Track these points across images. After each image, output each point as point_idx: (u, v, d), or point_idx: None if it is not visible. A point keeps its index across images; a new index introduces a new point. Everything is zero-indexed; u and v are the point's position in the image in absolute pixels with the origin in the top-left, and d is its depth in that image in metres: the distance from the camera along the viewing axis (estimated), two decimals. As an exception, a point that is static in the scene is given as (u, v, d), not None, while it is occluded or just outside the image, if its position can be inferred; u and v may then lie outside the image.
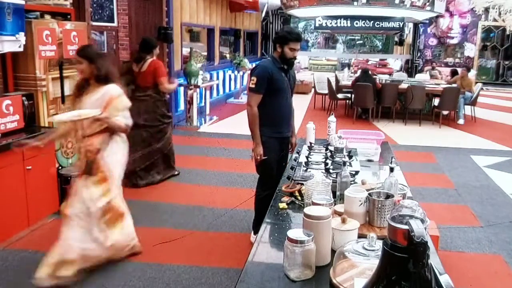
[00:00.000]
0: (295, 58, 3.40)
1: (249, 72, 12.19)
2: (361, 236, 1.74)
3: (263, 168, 3.54)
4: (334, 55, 24.31)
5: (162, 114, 5.10)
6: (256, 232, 3.67)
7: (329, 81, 10.23)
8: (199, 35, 10.51)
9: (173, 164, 5.38)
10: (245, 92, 12.59)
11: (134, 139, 4.50)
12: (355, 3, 13.39)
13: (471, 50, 16.89)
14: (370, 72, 9.82)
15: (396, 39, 18.41)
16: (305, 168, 2.76)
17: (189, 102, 8.56)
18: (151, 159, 5.07)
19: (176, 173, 5.42)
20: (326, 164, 2.73)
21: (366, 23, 14.06)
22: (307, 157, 2.98)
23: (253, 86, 3.35)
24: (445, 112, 9.55)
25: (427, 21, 16.54)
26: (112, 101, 3.08)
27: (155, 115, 5.03)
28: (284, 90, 3.46)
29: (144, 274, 3.25)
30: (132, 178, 4.89)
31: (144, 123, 4.93)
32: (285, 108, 3.54)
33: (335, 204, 2.02)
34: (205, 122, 8.56)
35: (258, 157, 3.41)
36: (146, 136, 5.01)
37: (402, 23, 14.16)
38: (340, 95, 10.24)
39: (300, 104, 11.23)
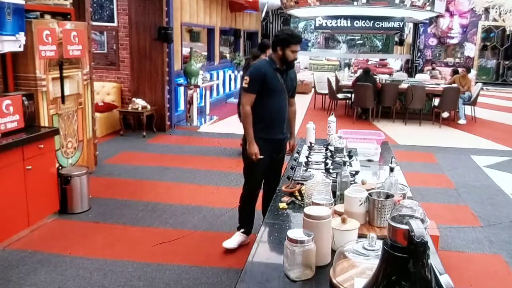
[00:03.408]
0: (295, 59, 3.40)
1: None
2: (361, 236, 1.74)
3: (249, 168, 3.53)
4: (334, 55, 24.29)
5: None
6: (238, 229, 3.73)
7: (329, 81, 10.23)
8: (199, 35, 10.51)
9: None
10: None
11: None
12: (355, 3, 13.35)
13: (471, 50, 16.89)
14: (371, 72, 9.82)
15: (396, 39, 18.41)
16: (305, 168, 2.76)
17: (189, 102, 8.57)
18: None
19: None
20: (326, 164, 2.73)
21: (366, 23, 14.05)
22: (307, 157, 2.98)
23: (246, 85, 3.38)
24: (445, 115, 9.54)
25: (427, 21, 16.53)
26: None
27: None
28: (278, 91, 3.42)
29: (144, 274, 3.25)
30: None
31: None
32: (278, 110, 3.47)
33: (335, 204, 2.02)
34: (205, 122, 8.56)
35: (254, 156, 3.40)
36: None
37: (402, 23, 14.15)
38: (340, 95, 10.23)
39: (300, 104, 11.19)
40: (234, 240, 3.64)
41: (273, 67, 3.38)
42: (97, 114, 6.26)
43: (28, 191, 3.74)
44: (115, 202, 4.58)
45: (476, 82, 11.76)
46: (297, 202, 2.28)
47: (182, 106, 8.71)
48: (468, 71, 10.55)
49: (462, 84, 9.84)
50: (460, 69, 10.74)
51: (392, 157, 2.56)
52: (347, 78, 11.14)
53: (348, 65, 18.10)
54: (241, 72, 11.60)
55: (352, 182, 2.29)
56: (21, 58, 4.12)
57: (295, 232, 1.55)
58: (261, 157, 3.42)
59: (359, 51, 23.69)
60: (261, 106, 3.40)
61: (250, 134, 3.42)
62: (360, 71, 10.76)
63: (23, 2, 3.90)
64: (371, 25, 14.09)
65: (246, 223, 3.69)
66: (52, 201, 4.10)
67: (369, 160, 3.12)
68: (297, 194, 2.32)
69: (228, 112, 9.71)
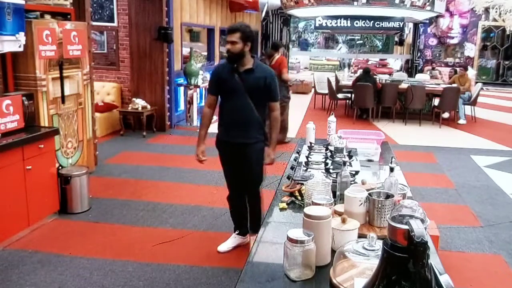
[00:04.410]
0: (229, 51, 3.22)
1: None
2: (361, 236, 1.73)
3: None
4: (334, 55, 24.29)
5: (284, 95, 6.56)
6: (235, 231, 3.70)
7: (329, 81, 10.23)
8: (199, 35, 10.51)
9: (287, 132, 7.12)
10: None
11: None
12: (355, 3, 13.35)
13: (471, 50, 16.88)
14: (371, 72, 9.82)
15: (396, 39, 18.42)
16: (305, 168, 2.75)
17: (189, 102, 8.56)
18: None
19: (286, 140, 7.07)
20: (326, 164, 2.73)
21: (366, 23, 14.05)
22: (307, 157, 2.98)
23: (208, 87, 3.46)
24: (445, 116, 9.54)
25: (427, 21, 16.53)
26: None
27: (279, 95, 6.38)
28: (235, 93, 3.25)
29: (144, 274, 3.25)
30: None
31: None
32: (236, 112, 3.30)
33: (335, 204, 2.02)
34: (205, 122, 8.54)
35: (196, 158, 3.47)
36: None
37: (402, 23, 14.15)
38: (340, 95, 10.23)
39: (300, 104, 11.23)
40: (228, 243, 3.65)
41: (230, 67, 3.27)
42: (97, 114, 6.26)
43: (28, 191, 3.74)
44: (115, 202, 4.58)
45: (476, 82, 11.75)
46: (297, 202, 2.28)
47: (182, 106, 8.71)
48: (466, 69, 10.55)
49: (461, 83, 9.84)
50: (458, 69, 10.75)
51: (392, 157, 2.56)
52: (347, 78, 11.14)
53: (348, 65, 18.09)
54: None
55: (352, 182, 2.29)
56: (21, 58, 4.12)
57: (295, 232, 1.55)
58: (204, 158, 3.45)
59: (359, 51, 23.68)
60: (221, 108, 3.40)
61: (199, 135, 3.49)
62: (360, 71, 10.76)
63: (23, 2, 3.90)
64: (371, 25, 14.09)
65: (236, 224, 3.68)
66: (52, 201, 4.10)
67: (369, 160, 3.12)
68: (297, 194, 2.32)
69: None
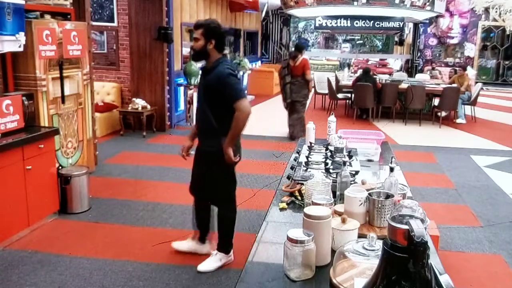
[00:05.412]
0: (192, 48, 3.12)
1: (249, 72, 12.26)
2: (361, 236, 1.74)
3: None
4: (334, 55, 24.28)
5: (305, 94, 7.46)
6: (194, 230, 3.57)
7: (329, 81, 10.22)
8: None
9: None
10: (245, 92, 12.59)
11: (290, 109, 7.50)
12: (355, 3, 13.35)
13: (471, 50, 16.88)
14: (371, 72, 9.82)
15: (396, 39, 18.39)
16: (305, 168, 2.75)
17: (189, 102, 8.56)
18: (296, 122, 7.42)
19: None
20: (326, 164, 2.73)
21: (366, 23, 14.04)
22: (307, 157, 2.98)
23: None
24: (443, 114, 9.54)
25: (427, 21, 16.52)
26: None
27: (301, 94, 7.40)
28: (198, 93, 3.18)
29: (144, 274, 3.25)
30: (291, 135, 7.58)
31: (296, 99, 7.38)
32: (197, 113, 3.22)
33: (335, 204, 2.02)
34: (205, 122, 8.55)
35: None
36: (298, 107, 7.45)
37: (402, 23, 14.14)
38: (340, 95, 10.23)
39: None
40: (183, 245, 3.57)
41: (203, 66, 3.16)
42: (97, 114, 6.26)
43: (28, 191, 3.74)
44: (115, 202, 4.58)
45: (476, 82, 11.75)
46: (297, 202, 2.28)
47: (182, 106, 8.71)
48: (464, 69, 10.55)
49: (460, 83, 9.84)
50: (457, 69, 10.75)
51: (392, 157, 2.56)
52: (347, 78, 11.14)
53: (348, 65, 18.08)
54: (241, 72, 11.62)
55: (352, 182, 2.29)
56: (21, 58, 4.12)
57: (295, 232, 1.55)
58: (186, 155, 3.37)
59: (359, 51, 23.68)
60: None
61: (191, 131, 3.45)
62: (360, 71, 10.75)
63: (23, 2, 3.90)
64: (371, 25, 14.08)
65: (197, 226, 3.56)
66: (52, 201, 4.10)
67: (369, 160, 3.12)
68: (297, 194, 2.32)
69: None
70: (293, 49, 7.91)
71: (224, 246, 3.35)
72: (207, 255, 3.40)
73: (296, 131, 7.47)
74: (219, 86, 2.98)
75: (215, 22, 3.12)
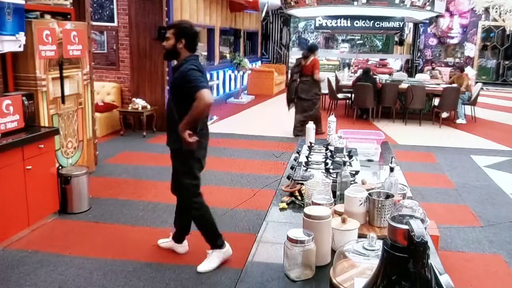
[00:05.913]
0: (163, 47, 3.21)
1: (249, 72, 12.26)
2: (361, 236, 1.73)
3: None
4: (334, 55, 24.29)
5: (315, 92, 7.73)
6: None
7: (329, 81, 10.22)
8: (199, 35, 10.52)
9: (321, 125, 7.59)
10: (245, 92, 12.59)
11: (297, 107, 7.74)
12: (355, 3, 13.35)
13: (471, 50, 16.87)
14: (371, 72, 9.82)
15: (396, 39, 18.40)
16: (305, 168, 2.75)
17: (189, 102, 8.56)
18: (307, 121, 7.04)
19: (324, 131, 7.00)
20: (326, 164, 2.73)
21: (366, 23, 14.05)
22: (307, 157, 2.98)
23: None
24: (444, 115, 9.54)
25: (427, 21, 16.52)
26: None
27: (311, 93, 7.66)
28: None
29: (144, 274, 3.25)
30: (294, 132, 7.81)
31: (304, 97, 7.60)
32: (166, 113, 3.25)
33: (335, 204, 2.02)
34: (205, 122, 8.54)
35: None
36: (306, 106, 7.66)
37: (402, 23, 14.15)
38: (340, 95, 10.23)
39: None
40: (167, 243, 3.61)
41: (173, 65, 3.21)
42: (97, 114, 6.26)
43: (28, 191, 3.74)
44: (115, 202, 4.58)
45: (476, 82, 11.74)
46: (297, 202, 2.28)
47: (182, 106, 8.70)
48: (462, 70, 10.54)
49: (459, 84, 9.84)
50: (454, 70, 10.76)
51: (392, 157, 2.56)
52: (347, 78, 11.14)
53: (348, 65, 18.08)
54: (241, 72, 11.63)
55: (352, 182, 2.29)
56: (21, 58, 4.12)
57: (295, 232, 1.55)
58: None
59: (359, 51, 23.68)
60: None
61: None
62: (360, 71, 10.76)
63: (23, 2, 3.90)
64: (371, 25, 14.09)
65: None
66: (52, 201, 4.10)
67: (369, 160, 3.12)
68: (297, 194, 2.32)
69: (228, 112, 9.71)
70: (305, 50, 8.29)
71: (211, 241, 3.38)
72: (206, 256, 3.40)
73: (302, 129, 7.70)
74: (181, 81, 3.02)
75: (187, 22, 3.25)
